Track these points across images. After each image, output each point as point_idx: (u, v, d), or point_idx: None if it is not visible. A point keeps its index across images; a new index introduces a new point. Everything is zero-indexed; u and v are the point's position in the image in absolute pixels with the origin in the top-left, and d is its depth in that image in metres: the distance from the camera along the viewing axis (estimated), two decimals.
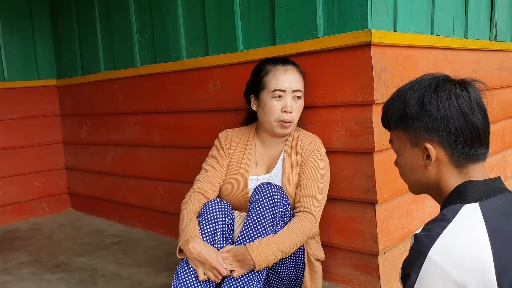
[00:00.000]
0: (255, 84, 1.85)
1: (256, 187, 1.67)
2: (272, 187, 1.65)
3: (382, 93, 1.80)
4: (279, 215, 1.64)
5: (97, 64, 3.13)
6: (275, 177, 1.82)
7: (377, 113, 1.80)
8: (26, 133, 3.43)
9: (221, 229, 1.67)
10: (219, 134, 1.97)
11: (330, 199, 1.87)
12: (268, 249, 1.54)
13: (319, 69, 1.93)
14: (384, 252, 1.90)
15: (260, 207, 1.61)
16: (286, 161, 1.83)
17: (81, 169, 3.49)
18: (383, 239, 1.87)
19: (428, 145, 1.01)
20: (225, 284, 1.58)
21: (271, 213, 1.61)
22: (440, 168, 1.02)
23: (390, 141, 1.13)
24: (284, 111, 1.77)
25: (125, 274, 2.29)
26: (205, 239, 1.64)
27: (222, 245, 1.66)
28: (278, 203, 1.63)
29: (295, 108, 1.80)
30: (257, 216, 1.61)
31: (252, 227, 1.61)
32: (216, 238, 1.65)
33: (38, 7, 3.45)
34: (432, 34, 2.17)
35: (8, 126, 3.34)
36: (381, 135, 1.81)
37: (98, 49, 3.10)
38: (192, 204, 1.75)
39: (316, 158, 1.80)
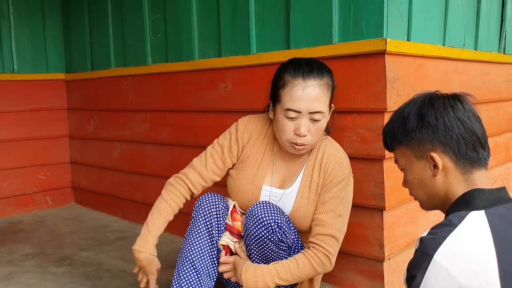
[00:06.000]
0: (273, 91, 1.60)
1: (250, 209, 1.60)
2: (264, 214, 1.56)
3: (394, 101, 1.83)
4: (272, 245, 1.58)
5: (108, 60, 3.14)
6: (289, 196, 1.67)
7: None
8: (33, 125, 3.44)
9: (216, 220, 1.66)
10: (239, 120, 1.75)
11: None
12: (259, 279, 1.52)
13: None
14: (389, 258, 1.92)
15: (249, 235, 1.60)
16: (305, 183, 1.65)
17: (86, 163, 3.50)
18: (389, 245, 1.90)
19: (433, 154, 1.06)
20: None
21: (259, 245, 1.60)
22: (447, 176, 1.06)
23: (396, 161, 1.18)
24: (297, 134, 1.54)
25: (130, 270, 2.30)
26: (201, 232, 1.66)
27: (218, 237, 1.67)
28: (270, 233, 1.55)
29: (313, 130, 1.54)
30: (247, 243, 1.63)
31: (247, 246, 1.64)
32: (211, 229, 1.66)
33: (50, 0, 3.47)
34: (444, 45, 2.19)
35: (15, 118, 3.35)
36: None
37: (109, 45, 3.11)
38: (171, 199, 1.73)
39: (342, 187, 1.60)
